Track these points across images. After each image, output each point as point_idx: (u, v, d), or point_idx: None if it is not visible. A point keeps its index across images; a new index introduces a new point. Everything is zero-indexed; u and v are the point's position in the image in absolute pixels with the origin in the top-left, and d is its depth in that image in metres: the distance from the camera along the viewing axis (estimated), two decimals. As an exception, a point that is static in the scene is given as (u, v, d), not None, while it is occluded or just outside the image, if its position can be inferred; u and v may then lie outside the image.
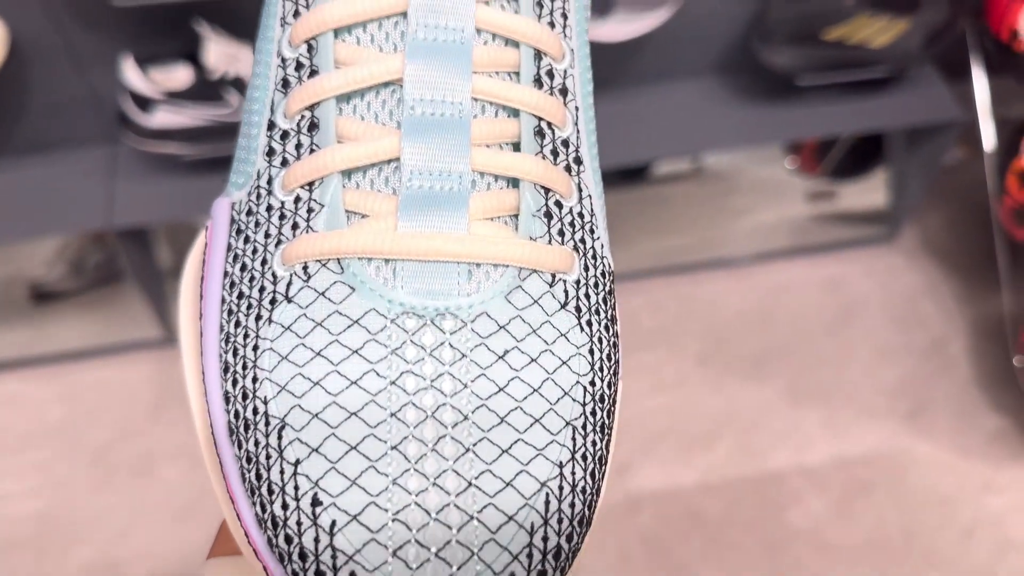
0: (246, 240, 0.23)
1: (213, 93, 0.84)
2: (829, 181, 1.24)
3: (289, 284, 0.21)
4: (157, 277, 1.05)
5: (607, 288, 0.24)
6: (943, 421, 1.04)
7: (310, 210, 0.22)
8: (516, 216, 0.22)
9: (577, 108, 0.24)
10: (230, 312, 0.22)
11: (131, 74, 0.83)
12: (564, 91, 0.24)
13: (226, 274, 0.23)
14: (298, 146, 0.23)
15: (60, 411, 1.02)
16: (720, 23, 0.98)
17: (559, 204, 0.23)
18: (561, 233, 0.23)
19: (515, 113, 0.23)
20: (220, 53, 0.83)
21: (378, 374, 0.20)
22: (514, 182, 0.23)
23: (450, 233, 0.21)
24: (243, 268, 0.22)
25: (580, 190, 0.24)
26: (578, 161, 0.24)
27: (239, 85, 0.85)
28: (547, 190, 0.23)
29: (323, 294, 0.21)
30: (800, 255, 1.18)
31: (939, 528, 0.97)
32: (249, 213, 0.23)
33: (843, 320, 1.13)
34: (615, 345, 0.23)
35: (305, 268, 0.21)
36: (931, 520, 0.97)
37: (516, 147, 0.23)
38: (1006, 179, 1.00)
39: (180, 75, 0.85)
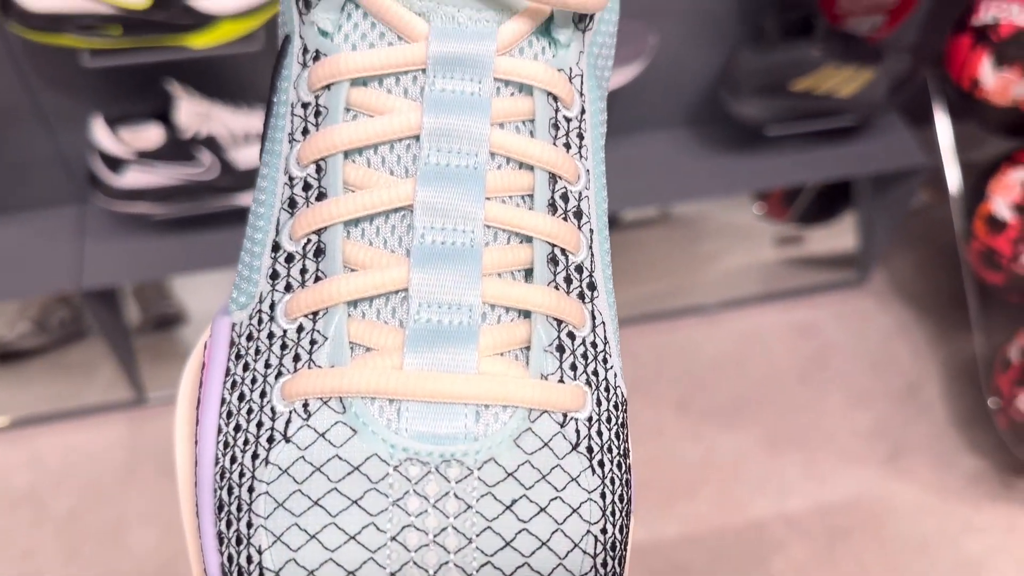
0: (245, 367, 0.22)
1: (184, 152, 0.84)
2: (797, 227, 1.25)
3: (288, 422, 0.20)
4: (125, 336, 1.03)
5: (620, 420, 0.23)
6: (921, 464, 1.05)
7: (313, 342, 0.21)
8: (527, 349, 0.21)
9: (592, 231, 0.24)
10: (226, 445, 0.21)
11: (101, 134, 0.82)
12: (579, 214, 0.23)
13: (223, 401, 0.22)
14: (303, 271, 0.22)
15: (26, 477, 0.99)
16: (689, 76, 0.99)
17: (572, 335, 0.22)
18: (574, 367, 0.22)
19: (528, 239, 0.22)
20: (192, 112, 0.82)
21: (378, 528, 0.19)
22: (526, 313, 0.22)
23: (458, 374, 0.20)
24: (241, 398, 0.22)
25: (594, 318, 0.23)
26: (592, 287, 0.23)
27: (211, 144, 0.84)
28: (559, 321, 0.22)
29: (323, 435, 0.20)
30: (771, 300, 1.19)
31: (921, 572, 0.96)
32: (250, 338, 0.22)
33: (817, 365, 1.13)
34: (627, 482, 0.22)
35: (305, 405, 0.20)
36: (913, 564, 0.97)
37: (528, 274, 0.22)
38: (973, 223, 1.02)
39: (151, 134, 0.85)
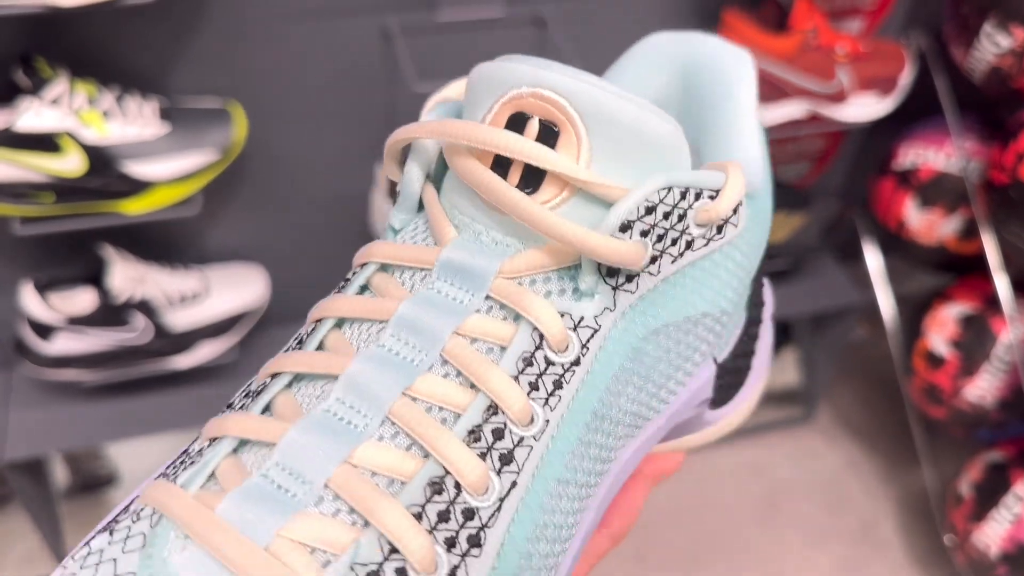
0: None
1: (117, 317, 0.81)
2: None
3: (127, 522, 0.21)
4: (50, 504, 0.98)
5: None
6: (884, 607, 1.02)
7: (191, 462, 0.21)
8: (336, 556, 0.19)
9: (515, 484, 0.21)
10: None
11: (30, 301, 0.79)
12: (506, 459, 0.21)
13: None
14: (244, 398, 0.23)
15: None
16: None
17: (402, 572, 0.19)
18: None
19: (426, 454, 0.20)
20: (125, 276, 0.81)
21: None
22: (365, 521, 0.19)
23: (244, 539, 0.18)
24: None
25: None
26: (475, 543, 0.20)
27: (144, 307, 0.82)
28: (393, 549, 0.19)
29: (124, 539, 0.20)
30: (722, 441, 1.18)
31: None
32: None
33: (771, 506, 1.11)
34: None
35: (141, 511, 0.21)
36: None
37: (404, 485, 0.20)
38: (912, 359, 1.03)
39: (83, 299, 0.82)
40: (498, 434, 0.21)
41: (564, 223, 0.21)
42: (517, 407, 0.21)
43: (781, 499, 1.12)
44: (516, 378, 0.21)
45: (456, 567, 0.20)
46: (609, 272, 0.22)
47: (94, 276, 0.83)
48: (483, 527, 0.20)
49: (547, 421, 0.21)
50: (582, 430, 0.22)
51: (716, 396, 0.29)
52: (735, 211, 0.24)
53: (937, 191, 0.97)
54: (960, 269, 1.03)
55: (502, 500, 0.20)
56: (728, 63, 0.28)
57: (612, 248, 0.21)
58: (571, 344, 0.22)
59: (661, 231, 0.22)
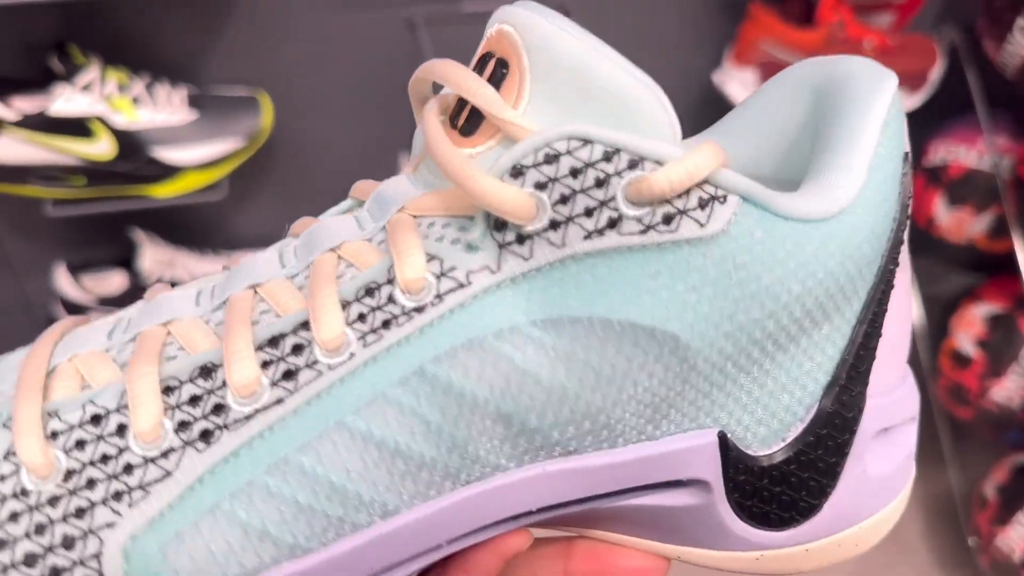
0: None
1: (147, 298, 0.84)
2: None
3: None
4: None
5: None
6: (905, 608, 1.01)
7: None
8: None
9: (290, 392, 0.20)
10: None
11: (63, 282, 0.82)
12: (289, 374, 0.20)
13: None
14: None
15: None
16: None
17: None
18: None
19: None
20: (155, 259, 0.83)
21: None
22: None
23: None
24: None
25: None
26: (207, 437, 0.19)
27: (174, 290, 0.84)
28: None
29: None
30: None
31: None
32: None
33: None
34: None
35: None
36: None
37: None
38: (939, 359, 1.02)
39: (114, 281, 0.85)
40: (297, 349, 0.20)
41: (455, 160, 0.19)
42: (327, 330, 0.19)
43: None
44: (348, 303, 0.20)
45: (175, 450, 0.19)
46: (497, 225, 0.20)
47: (125, 259, 0.85)
48: (223, 427, 0.19)
49: (352, 355, 0.20)
50: (393, 384, 0.19)
51: (747, 502, 0.22)
52: (703, 204, 0.19)
53: (967, 188, 0.96)
54: (989, 268, 1.02)
55: (258, 411, 0.19)
56: (862, 78, 0.22)
57: (493, 191, 0.19)
58: (426, 290, 0.20)
59: (566, 191, 0.19)
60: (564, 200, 0.19)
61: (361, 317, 0.20)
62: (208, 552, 0.19)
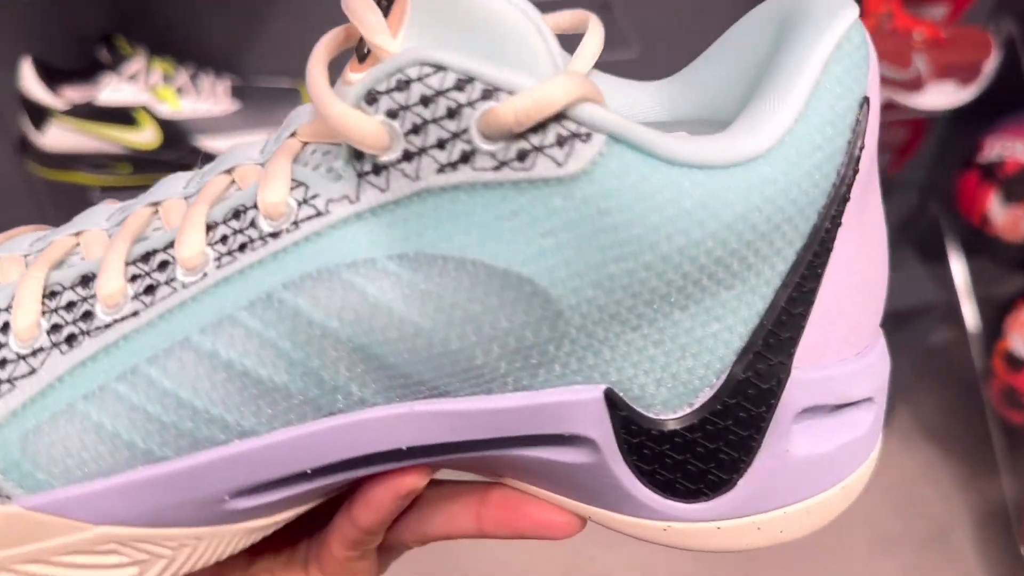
0: None
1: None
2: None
3: None
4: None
5: None
6: (952, 617, 0.98)
7: None
8: None
9: (141, 292, 0.20)
10: None
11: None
12: (159, 268, 0.21)
13: None
14: None
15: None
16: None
17: None
18: None
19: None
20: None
21: None
22: None
23: None
24: None
25: None
26: (72, 341, 0.20)
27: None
28: None
29: None
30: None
31: None
32: None
33: (840, 507, 1.08)
34: None
35: None
36: None
37: None
38: (992, 361, 0.99)
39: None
40: (163, 266, 0.20)
41: (316, 85, 0.19)
42: (187, 249, 0.20)
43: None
44: (216, 225, 0.20)
45: (44, 350, 0.20)
46: (357, 154, 0.19)
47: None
48: (86, 332, 0.20)
49: (206, 275, 0.20)
50: (241, 307, 0.20)
51: (647, 467, 0.21)
52: (561, 142, 0.18)
53: (1023, 185, 0.92)
54: (1048, 268, 0.98)
55: (116, 321, 0.20)
56: (817, 8, 0.20)
57: (343, 117, 0.18)
58: (285, 216, 0.20)
59: (418, 120, 0.18)
60: (416, 130, 0.18)
61: (223, 239, 0.20)
62: (64, 447, 0.20)
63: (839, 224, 0.19)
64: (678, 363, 0.20)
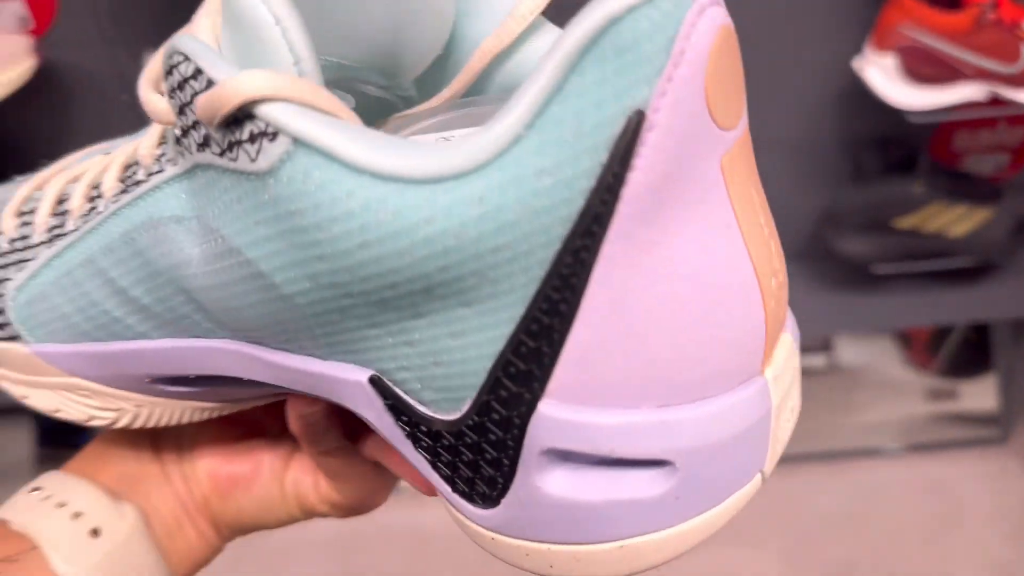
0: None
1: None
2: (944, 377, 1.17)
3: None
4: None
5: None
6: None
7: None
8: None
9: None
10: None
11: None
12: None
13: None
14: None
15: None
16: (792, 210, 0.97)
17: None
18: None
19: None
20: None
21: None
22: None
23: None
24: None
25: None
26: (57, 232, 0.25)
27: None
28: None
29: None
30: (904, 454, 1.10)
31: None
32: None
33: (945, 528, 1.03)
34: None
35: None
36: None
37: None
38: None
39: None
40: (93, 199, 0.25)
41: (146, 66, 0.22)
42: (106, 184, 0.24)
43: (958, 521, 1.03)
44: (128, 166, 0.24)
45: (44, 243, 0.25)
46: (178, 137, 0.21)
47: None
48: (63, 235, 0.25)
49: (106, 207, 0.24)
50: (116, 237, 0.24)
51: (432, 459, 0.21)
52: (252, 138, 0.18)
53: None
54: None
55: (71, 232, 0.25)
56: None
57: (145, 94, 0.21)
58: (146, 168, 0.23)
59: (177, 102, 0.20)
60: (180, 111, 0.20)
61: (123, 180, 0.24)
62: (47, 315, 0.26)
63: (594, 260, 0.17)
64: (433, 368, 0.19)
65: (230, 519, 0.29)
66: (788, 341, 0.20)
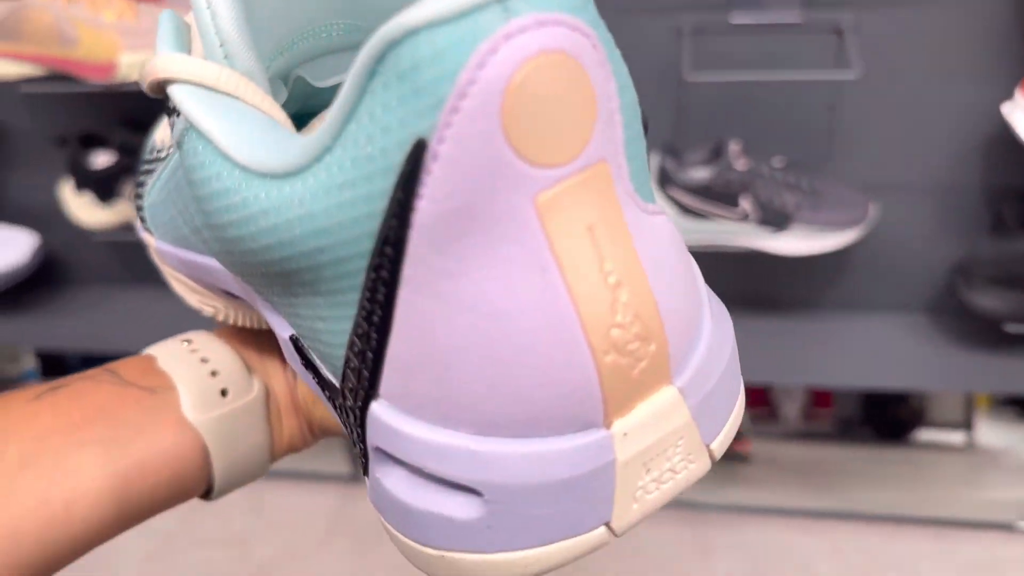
0: None
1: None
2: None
3: None
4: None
5: None
6: None
7: None
8: None
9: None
10: None
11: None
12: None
13: None
14: None
15: (241, 522, 1.11)
16: (927, 259, 0.94)
17: None
18: None
19: None
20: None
21: None
22: None
23: None
24: None
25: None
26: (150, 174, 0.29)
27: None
28: None
29: None
30: (1012, 529, 1.03)
31: None
32: None
33: None
34: None
35: None
36: None
37: None
38: None
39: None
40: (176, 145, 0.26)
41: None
42: (162, 138, 0.28)
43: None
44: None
45: (161, 159, 0.27)
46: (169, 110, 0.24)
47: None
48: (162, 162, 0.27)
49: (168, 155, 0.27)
50: (174, 170, 0.26)
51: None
52: (170, 112, 0.21)
53: None
54: None
55: (168, 158, 0.27)
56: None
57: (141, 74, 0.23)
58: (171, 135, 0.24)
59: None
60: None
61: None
62: (158, 219, 0.29)
63: (395, 279, 0.17)
64: (316, 339, 0.20)
65: (319, 421, 0.32)
66: (668, 399, 0.19)
